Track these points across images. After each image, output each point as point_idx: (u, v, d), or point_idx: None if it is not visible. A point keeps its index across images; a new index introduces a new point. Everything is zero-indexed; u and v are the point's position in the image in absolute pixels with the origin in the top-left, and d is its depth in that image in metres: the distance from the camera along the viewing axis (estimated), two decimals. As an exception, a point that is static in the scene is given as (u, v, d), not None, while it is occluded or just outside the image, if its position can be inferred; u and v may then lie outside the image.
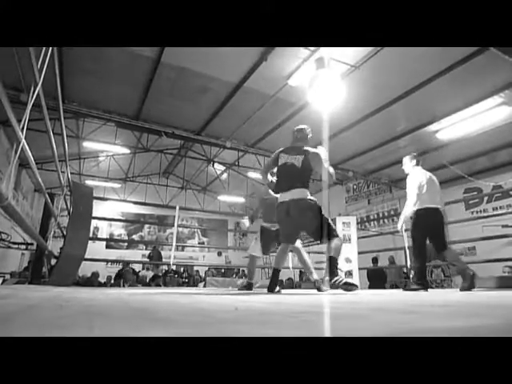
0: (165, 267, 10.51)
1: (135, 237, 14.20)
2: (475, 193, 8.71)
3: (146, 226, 14.38)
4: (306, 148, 3.04)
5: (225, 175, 12.55)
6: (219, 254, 14.40)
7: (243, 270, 12.68)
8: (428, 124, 6.79)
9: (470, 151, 7.65)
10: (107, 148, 9.20)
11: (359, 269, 6.99)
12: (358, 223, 11.60)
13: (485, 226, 7.66)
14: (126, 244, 13.81)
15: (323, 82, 4.70)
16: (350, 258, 7.01)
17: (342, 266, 6.96)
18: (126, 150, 9.63)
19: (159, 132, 7.13)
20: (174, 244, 5.80)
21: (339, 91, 4.82)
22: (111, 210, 13.62)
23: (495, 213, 8.21)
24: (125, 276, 8.83)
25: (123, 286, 7.47)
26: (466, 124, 6.58)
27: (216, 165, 11.55)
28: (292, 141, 3.25)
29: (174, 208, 6.18)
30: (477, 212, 8.86)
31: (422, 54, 5.09)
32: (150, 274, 10.36)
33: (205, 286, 5.72)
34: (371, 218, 11.14)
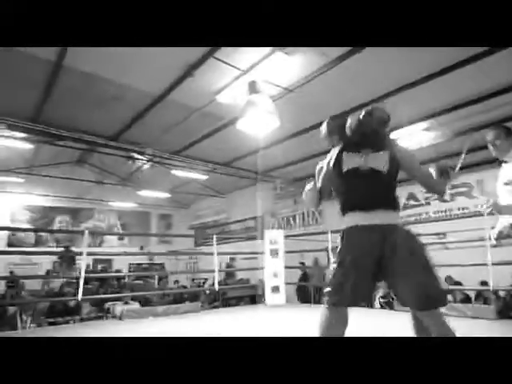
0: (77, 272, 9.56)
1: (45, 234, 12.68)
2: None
3: (58, 219, 12.92)
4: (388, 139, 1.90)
5: (148, 166, 11.62)
6: (141, 248, 13.59)
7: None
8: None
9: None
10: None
11: (286, 283, 6.98)
12: (284, 222, 11.82)
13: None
14: (32, 242, 12.25)
15: (256, 112, 4.32)
16: (276, 273, 6.97)
17: (269, 281, 6.90)
18: (27, 145, 8.21)
19: (63, 137, 6.15)
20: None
21: (273, 121, 4.49)
22: (12, 204, 11.99)
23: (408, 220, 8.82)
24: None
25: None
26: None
27: (139, 156, 10.60)
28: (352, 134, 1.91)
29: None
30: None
31: (356, 82, 5.05)
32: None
33: (121, 319, 5.18)
34: (296, 217, 11.31)
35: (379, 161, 1.80)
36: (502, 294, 6.38)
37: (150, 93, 5.42)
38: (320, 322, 1.80)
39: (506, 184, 2.39)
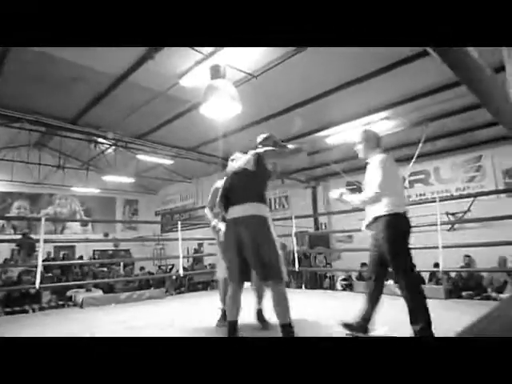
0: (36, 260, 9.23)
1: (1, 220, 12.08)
2: (355, 186, 9.53)
3: (15, 205, 12.33)
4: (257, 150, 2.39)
5: (111, 151, 11.23)
6: (106, 234, 13.28)
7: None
8: (320, 130, 6.99)
9: (348, 153, 8.25)
10: None
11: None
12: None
13: (360, 219, 8.44)
14: (-14, 228, 11.65)
15: (218, 97, 4.27)
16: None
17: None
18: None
19: (17, 119, 5.84)
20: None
21: (235, 107, 4.46)
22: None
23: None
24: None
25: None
26: (353, 132, 6.92)
27: (101, 140, 10.19)
28: None
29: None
30: (356, 204, 9.77)
31: (324, 69, 5.10)
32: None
33: (82, 307, 5.08)
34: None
35: (247, 161, 2.30)
36: (452, 275, 6.79)
37: (110, 74, 5.22)
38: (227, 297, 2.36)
39: (364, 185, 2.64)
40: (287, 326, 2.11)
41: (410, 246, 2.48)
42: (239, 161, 2.41)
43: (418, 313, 2.35)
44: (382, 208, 2.47)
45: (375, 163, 2.53)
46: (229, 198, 2.32)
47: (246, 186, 2.27)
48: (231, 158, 2.61)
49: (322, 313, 2.93)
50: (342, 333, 2.58)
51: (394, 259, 2.44)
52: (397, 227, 2.44)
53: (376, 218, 2.53)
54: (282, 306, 2.13)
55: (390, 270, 2.54)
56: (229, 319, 2.31)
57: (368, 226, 2.68)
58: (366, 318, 2.57)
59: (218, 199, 2.45)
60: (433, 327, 2.30)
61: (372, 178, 2.51)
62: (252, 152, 2.39)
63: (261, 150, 2.37)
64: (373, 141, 2.66)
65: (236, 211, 2.24)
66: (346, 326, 2.64)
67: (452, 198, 7.20)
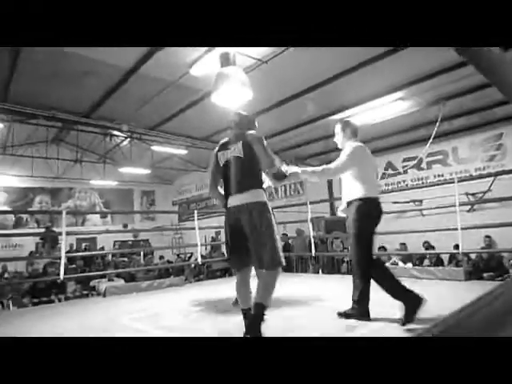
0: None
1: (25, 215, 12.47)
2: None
3: (37, 200, 12.69)
4: (244, 132, 2.32)
5: (126, 143, 11.37)
6: (125, 225, 13.55)
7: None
8: (335, 113, 6.89)
9: (366, 136, 8.13)
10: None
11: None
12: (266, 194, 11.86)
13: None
14: (12, 223, 12.07)
15: (229, 84, 4.25)
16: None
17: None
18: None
19: (34, 116, 5.97)
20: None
21: (246, 93, 4.44)
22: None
23: (386, 188, 9.01)
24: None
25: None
26: (366, 115, 6.81)
27: (117, 132, 10.32)
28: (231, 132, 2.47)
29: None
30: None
31: (334, 52, 5.01)
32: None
33: (104, 296, 5.25)
34: (278, 189, 11.43)
35: (237, 149, 2.26)
36: (473, 256, 6.69)
37: (121, 67, 5.26)
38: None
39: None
40: (260, 305, 2.12)
41: (374, 232, 2.58)
42: (229, 151, 2.34)
43: (362, 293, 2.55)
44: (354, 193, 2.58)
45: (346, 149, 2.64)
46: (227, 187, 2.33)
47: (242, 173, 2.25)
48: (220, 144, 2.47)
49: (341, 297, 2.95)
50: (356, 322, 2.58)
51: (355, 241, 2.54)
52: (366, 211, 2.54)
53: (349, 203, 2.65)
54: (265, 291, 2.16)
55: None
56: (241, 307, 2.31)
57: (343, 211, 2.84)
58: (366, 302, 2.59)
59: (214, 191, 2.48)
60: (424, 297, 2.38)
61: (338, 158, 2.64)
62: (233, 138, 2.35)
63: (246, 134, 2.31)
64: (350, 131, 2.77)
65: (236, 199, 2.23)
66: (344, 315, 2.65)
67: (471, 178, 7.02)
